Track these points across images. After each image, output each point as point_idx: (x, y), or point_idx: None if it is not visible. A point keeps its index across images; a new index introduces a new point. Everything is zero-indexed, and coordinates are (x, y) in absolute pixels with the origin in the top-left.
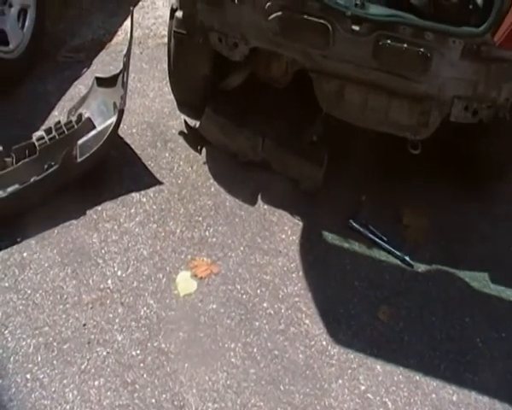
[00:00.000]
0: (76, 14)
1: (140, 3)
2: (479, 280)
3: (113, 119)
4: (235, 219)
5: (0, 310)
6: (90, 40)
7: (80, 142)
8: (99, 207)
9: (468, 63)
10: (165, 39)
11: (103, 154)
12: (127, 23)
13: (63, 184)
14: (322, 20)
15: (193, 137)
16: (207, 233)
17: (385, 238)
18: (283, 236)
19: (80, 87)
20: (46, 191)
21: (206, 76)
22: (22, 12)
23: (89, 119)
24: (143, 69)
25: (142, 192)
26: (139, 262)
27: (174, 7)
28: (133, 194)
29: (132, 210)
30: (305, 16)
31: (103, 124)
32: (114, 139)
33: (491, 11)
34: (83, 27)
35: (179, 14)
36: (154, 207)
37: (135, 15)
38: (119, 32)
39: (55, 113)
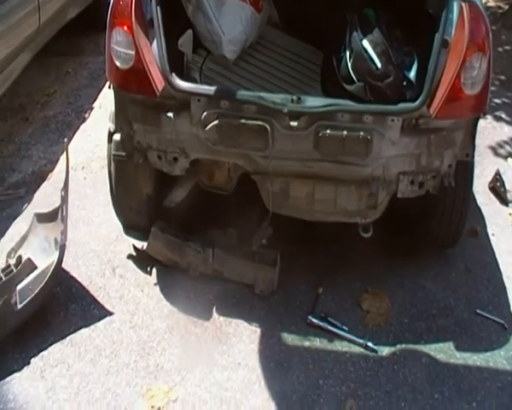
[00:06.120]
0: (14, 149)
1: (81, 127)
2: (444, 351)
3: (55, 256)
4: (191, 339)
5: None
6: (31, 173)
7: (20, 286)
8: (45, 352)
9: (409, 138)
10: None
11: (46, 294)
12: (69, 149)
13: (3, 336)
14: (259, 122)
15: (142, 259)
16: (163, 359)
17: (346, 328)
18: (242, 346)
19: (21, 224)
20: None
21: (150, 195)
22: None
23: (29, 259)
24: (88, 195)
25: (92, 327)
26: (91, 405)
27: (111, 130)
28: (82, 330)
29: (82, 348)
30: (243, 120)
31: (45, 262)
32: (58, 277)
33: (424, 85)
34: (22, 162)
35: (117, 136)
36: (106, 340)
37: (76, 140)
38: (62, 160)
39: None
